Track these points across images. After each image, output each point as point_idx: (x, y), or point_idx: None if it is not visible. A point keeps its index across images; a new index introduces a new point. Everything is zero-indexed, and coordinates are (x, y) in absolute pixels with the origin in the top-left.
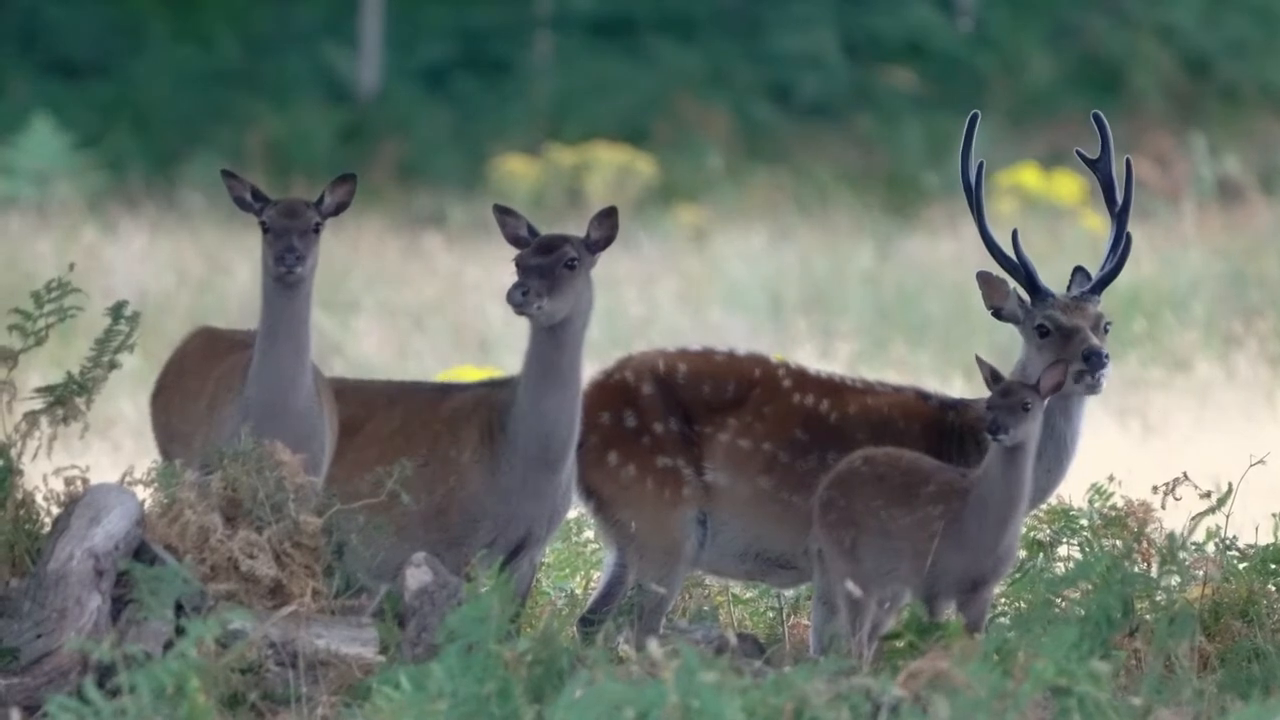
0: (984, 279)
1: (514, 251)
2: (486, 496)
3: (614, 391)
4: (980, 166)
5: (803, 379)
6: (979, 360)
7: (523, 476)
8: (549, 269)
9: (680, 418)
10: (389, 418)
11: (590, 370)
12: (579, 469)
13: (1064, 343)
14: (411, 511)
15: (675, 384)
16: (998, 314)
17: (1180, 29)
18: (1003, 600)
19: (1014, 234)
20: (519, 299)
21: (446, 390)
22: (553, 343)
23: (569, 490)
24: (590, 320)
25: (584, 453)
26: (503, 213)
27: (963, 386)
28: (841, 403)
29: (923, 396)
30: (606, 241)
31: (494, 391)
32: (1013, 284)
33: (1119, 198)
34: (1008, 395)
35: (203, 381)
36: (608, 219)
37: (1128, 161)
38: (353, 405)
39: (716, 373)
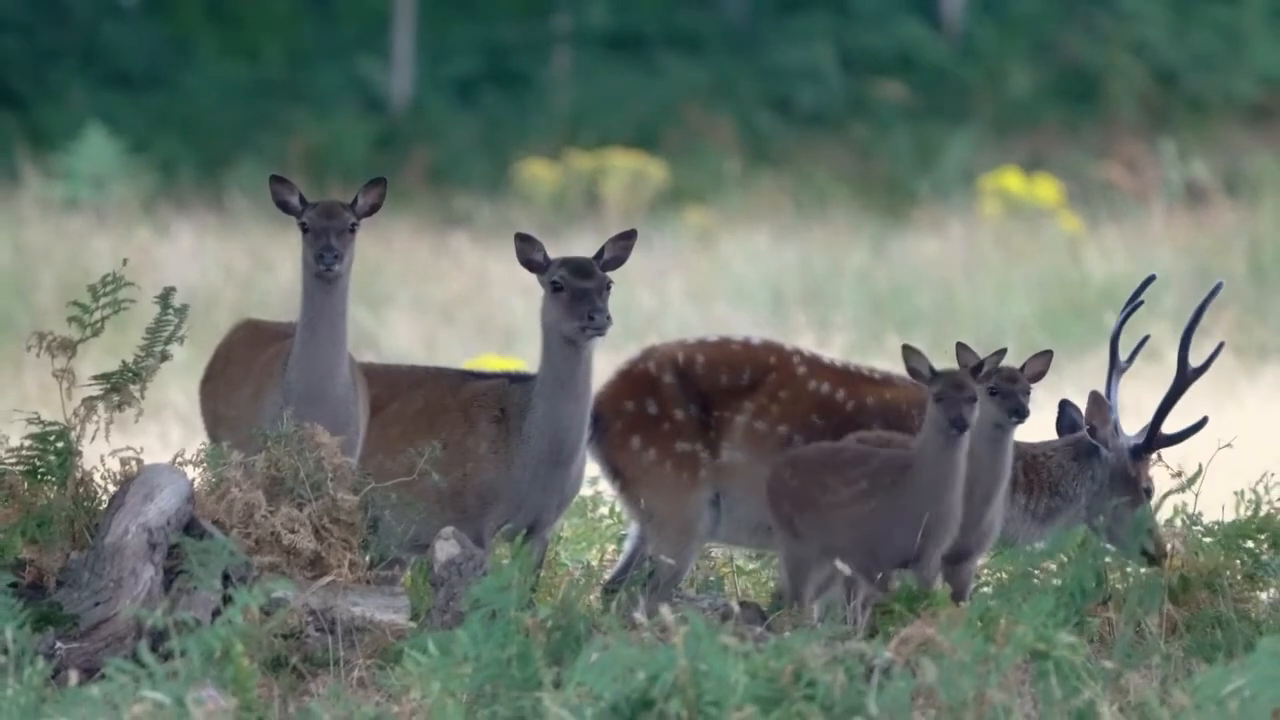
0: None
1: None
2: (500, 484)
3: (638, 380)
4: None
5: (817, 366)
6: (961, 346)
7: (534, 471)
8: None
9: (699, 405)
10: (412, 399)
11: (614, 361)
12: (605, 451)
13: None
14: (432, 490)
15: (694, 373)
16: (1092, 433)
17: (1151, 44)
18: (985, 571)
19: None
20: (602, 323)
21: (466, 378)
22: (575, 357)
23: (578, 479)
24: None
25: (610, 436)
26: (523, 240)
27: None
28: (858, 392)
29: None
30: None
31: (512, 389)
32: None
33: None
34: (1016, 381)
35: (247, 370)
36: (624, 240)
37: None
38: (379, 386)
39: (732, 360)
